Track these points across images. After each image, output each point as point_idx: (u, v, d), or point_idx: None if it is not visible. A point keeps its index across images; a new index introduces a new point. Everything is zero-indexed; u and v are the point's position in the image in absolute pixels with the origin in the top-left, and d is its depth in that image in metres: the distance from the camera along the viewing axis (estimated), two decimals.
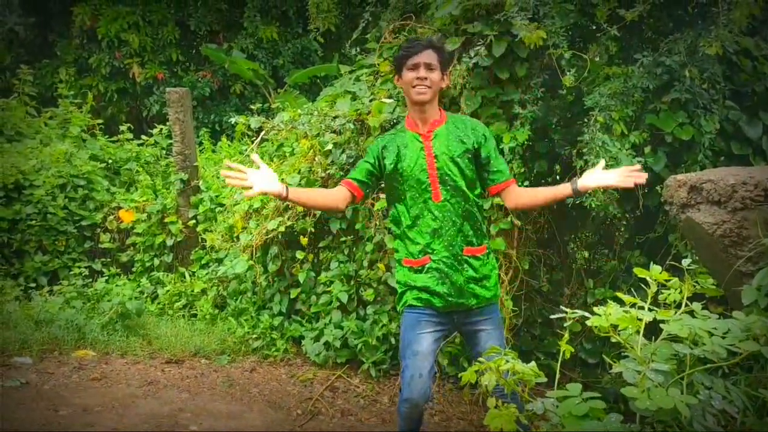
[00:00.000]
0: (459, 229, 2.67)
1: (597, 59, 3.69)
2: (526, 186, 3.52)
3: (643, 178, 2.50)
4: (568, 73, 3.36)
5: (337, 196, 2.74)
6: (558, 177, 3.97)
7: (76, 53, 10.09)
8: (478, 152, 2.68)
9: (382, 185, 2.83)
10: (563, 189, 2.64)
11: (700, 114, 3.48)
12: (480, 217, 2.73)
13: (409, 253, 2.73)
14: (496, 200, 3.63)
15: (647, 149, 3.52)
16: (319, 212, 4.33)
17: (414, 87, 2.64)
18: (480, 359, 1.93)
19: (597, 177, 2.56)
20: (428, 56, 2.64)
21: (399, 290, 2.81)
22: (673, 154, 3.55)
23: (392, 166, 2.71)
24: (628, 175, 2.51)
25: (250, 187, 2.48)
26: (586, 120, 3.40)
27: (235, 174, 2.51)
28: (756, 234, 2.30)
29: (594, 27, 3.52)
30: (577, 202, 3.50)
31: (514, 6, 3.35)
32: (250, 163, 5.15)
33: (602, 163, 2.63)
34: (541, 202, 2.76)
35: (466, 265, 2.68)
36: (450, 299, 2.67)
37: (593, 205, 3.45)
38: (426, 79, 2.63)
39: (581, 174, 2.78)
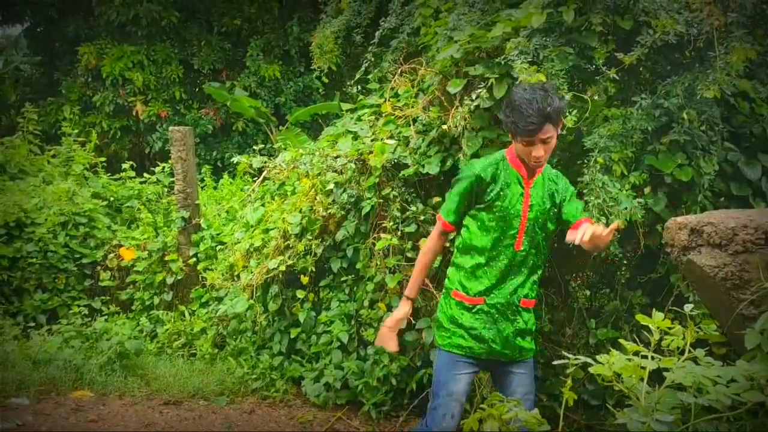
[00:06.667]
0: (525, 280, 2.65)
1: (596, 98, 3.72)
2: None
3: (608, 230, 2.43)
4: (568, 114, 3.39)
5: (439, 247, 2.85)
6: None
7: (80, 91, 10.21)
8: (560, 206, 2.69)
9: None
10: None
11: (699, 155, 3.50)
12: (542, 273, 2.74)
13: (464, 287, 2.67)
14: None
15: (647, 190, 3.53)
16: (320, 251, 4.34)
17: (531, 161, 2.58)
18: (482, 405, 1.92)
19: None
20: (545, 131, 2.51)
21: (443, 323, 2.74)
22: (673, 195, 3.56)
23: (492, 199, 2.63)
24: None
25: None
26: (586, 161, 3.42)
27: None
28: (758, 277, 2.29)
29: (593, 69, 3.56)
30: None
31: (515, 49, 3.39)
32: (252, 202, 5.20)
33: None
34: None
35: (518, 317, 2.67)
36: (494, 346, 2.65)
37: None
38: (543, 155, 2.55)
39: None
